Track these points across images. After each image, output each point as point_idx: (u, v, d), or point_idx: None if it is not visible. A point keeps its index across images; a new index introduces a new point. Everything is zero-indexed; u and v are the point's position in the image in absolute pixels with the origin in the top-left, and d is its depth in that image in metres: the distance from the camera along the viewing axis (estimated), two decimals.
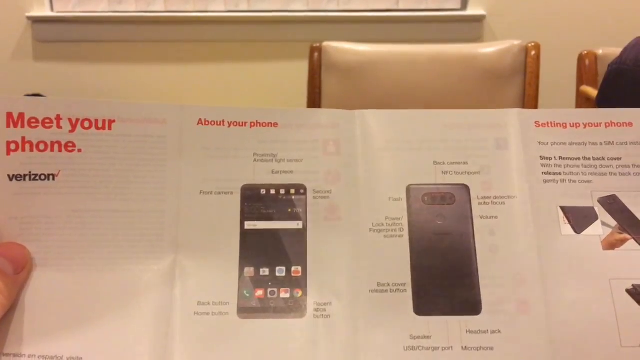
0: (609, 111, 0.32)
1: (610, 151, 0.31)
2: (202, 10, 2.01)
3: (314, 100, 1.27)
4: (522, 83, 1.23)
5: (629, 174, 0.31)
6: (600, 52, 1.21)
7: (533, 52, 1.23)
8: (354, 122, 0.32)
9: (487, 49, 1.26)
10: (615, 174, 0.31)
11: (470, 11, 1.99)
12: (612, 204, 0.30)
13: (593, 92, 1.13)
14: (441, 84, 1.24)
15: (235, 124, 0.32)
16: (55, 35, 2.07)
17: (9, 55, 2.09)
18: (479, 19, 1.98)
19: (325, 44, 1.26)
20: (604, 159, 0.31)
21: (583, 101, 1.20)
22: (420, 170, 0.31)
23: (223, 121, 0.32)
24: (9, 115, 0.31)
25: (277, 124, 0.32)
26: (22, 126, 0.31)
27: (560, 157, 0.31)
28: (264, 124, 0.32)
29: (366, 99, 1.27)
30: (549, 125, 0.32)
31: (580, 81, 1.22)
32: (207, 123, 0.32)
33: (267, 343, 0.29)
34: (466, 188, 0.31)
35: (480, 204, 0.31)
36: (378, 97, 1.26)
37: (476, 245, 0.30)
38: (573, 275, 0.29)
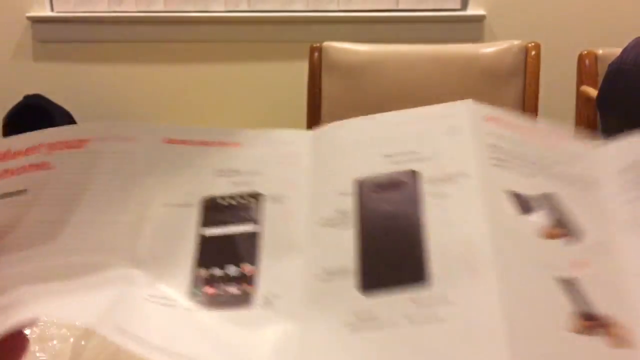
0: (555, 127, 0.34)
1: (552, 155, 0.33)
2: (202, 10, 2.02)
3: (314, 100, 1.27)
4: (522, 83, 1.23)
5: (568, 178, 0.32)
6: (600, 52, 1.21)
7: (533, 52, 1.23)
8: (312, 138, 0.35)
9: (487, 49, 1.26)
10: (556, 175, 0.32)
11: (470, 11, 1.99)
12: (551, 202, 0.32)
13: (593, 92, 1.13)
14: (441, 84, 1.24)
15: (200, 143, 0.35)
16: (55, 35, 2.07)
17: (9, 56, 2.09)
18: (479, 19, 1.99)
19: (325, 44, 1.26)
20: (545, 159, 0.33)
21: (583, 101, 1.20)
22: (371, 164, 0.33)
23: (188, 140, 0.34)
24: None
25: (239, 144, 0.35)
26: (5, 161, 0.32)
27: (508, 149, 0.33)
28: (228, 144, 0.35)
29: (366, 98, 1.27)
30: (498, 120, 0.34)
31: (580, 81, 1.23)
32: (173, 142, 0.34)
33: (213, 331, 0.29)
34: (415, 173, 0.32)
35: (431, 184, 0.32)
36: (378, 97, 1.26)
37: (427, 221, 0.31)
38: (521, 249, 0.30)
